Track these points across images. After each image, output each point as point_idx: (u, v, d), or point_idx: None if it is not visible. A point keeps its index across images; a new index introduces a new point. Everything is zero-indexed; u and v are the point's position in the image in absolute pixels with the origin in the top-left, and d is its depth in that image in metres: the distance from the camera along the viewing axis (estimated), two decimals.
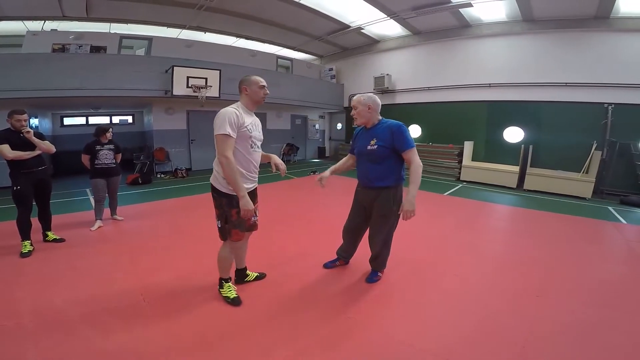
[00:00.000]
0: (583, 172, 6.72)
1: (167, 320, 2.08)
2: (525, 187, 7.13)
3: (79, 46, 6.58)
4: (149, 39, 8.09)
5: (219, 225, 2.18)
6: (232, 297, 2.27)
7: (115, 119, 9.55)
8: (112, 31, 8.13)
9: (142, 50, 8.15)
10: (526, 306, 2.33)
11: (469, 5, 7.24)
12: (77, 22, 7.38)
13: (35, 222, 3.27)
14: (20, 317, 2.07)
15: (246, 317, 2.13)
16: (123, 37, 7.76)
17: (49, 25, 7.32)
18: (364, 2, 7.48)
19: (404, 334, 2.00)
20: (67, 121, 8.87)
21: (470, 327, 2.08)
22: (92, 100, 7.24)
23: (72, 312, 2.15)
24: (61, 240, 3.46)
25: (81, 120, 9.02)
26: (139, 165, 8.11)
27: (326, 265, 2.90)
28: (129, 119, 9.87)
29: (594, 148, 6.71)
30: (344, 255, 2.86)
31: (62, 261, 2.98)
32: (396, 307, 2.33)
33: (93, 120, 9.04)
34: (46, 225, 3.47)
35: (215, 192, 2.12)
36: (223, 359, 1.75)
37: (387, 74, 10.24)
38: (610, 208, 5.71)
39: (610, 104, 6.74)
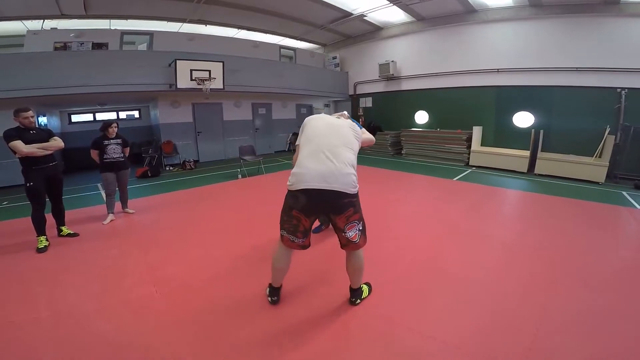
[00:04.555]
0: (596, 157, 6.55)
1: (179, 312, 2.11)
2: (536, 172, 7.01)
3: (81, 43, 6.61)
4: (150, 34, 8.05)
5: (361, 228, 1.95)
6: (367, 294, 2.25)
7: (122, 114, 9.61)
8: (112, 27, 8.11)
9: (144, 45, 8.14)
10: (537, 294, 2.30)
11: None
12: (76, 19, 7.37)
13: (49, 217, 3.34)
14: (37, 311, 2.14)
15: (251, 308, 2.14)
16: (124, 33, 7.75)
17: (48, 24, 7.34)
18: None
19: (411, 321, 2.01)
20: (75, 118, 8.95)
21: (479, 314, 2.07)
22: (98, 96, 7.30)
23: (87, 305, 2.20)
24: (75, 234, 3.54)
25: (88, 117, 9.09)
26: (147, 158, 8.21)
27: (315, 231, 3.27)
28: (136, 113, 9.92)
29: (607, 132, 6.51)
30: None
31: (76, 255, 3.06)
32: (403, 294, 2.33)
33: (100, 116, 9.11)
34: (60, 220, 3.55)
35: (352, 197, 1.87)
36: (236, 350, 1.78)
37: (392, 61, 10.03)
38: (624, 193, 5.56)
39: (623, 88, 6.54)
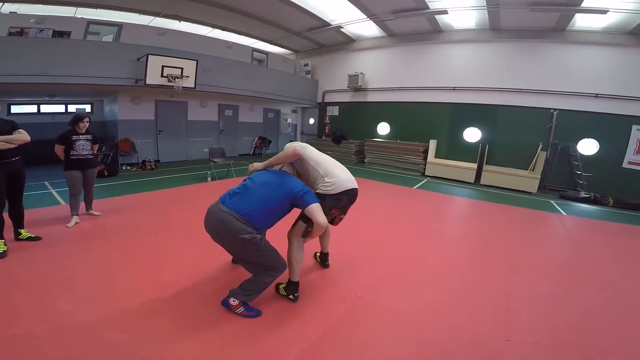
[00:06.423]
0: (530, 170, 7.66)
1: (191, 318, 2.08)
2: (481, 182, 7.94)
3: (40, 30, 5.87)
4: (119, 26, 7.49)
5: None
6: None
7: (72, 108, 8.65)
8: (78, 16, 7.40)
9: (109, 37, 7.52)
10: (500, 280, 2.89)
11: (445, 12, 7.72)
12: (40, 5, 6.64)
13: (5, 218, 2.99)
14: (29, 325, 1.92)
15: (267, 311, 2.21)
16: (90, 22, 7.11)
17: (8, 7, 6.53)
18: (347, 2, 7.65)
19: (410, 308, 2.35)
20: (15, 109, 7.86)
21: (459, 298, 2.52)
22: (50, 87, 6.58)
23: (86, 314, 2.04)
24: (37, 238, 3.21)
25: (32, 109, 8.06)
26: (100, 156, 7.55)
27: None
28: (87, 108, 9.02)
29: (539, 148, 7.66)
30: None
31: (47, 261, 2.79)
32: (397, 286, 2.69)
33: (45, 108, 8.15)
34: (18, 223, 3.19)
35: None
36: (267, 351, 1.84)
37: (362, 73, 10.53)
38: (552, 202, 6.63)
39: (555, 109, 7.67)
